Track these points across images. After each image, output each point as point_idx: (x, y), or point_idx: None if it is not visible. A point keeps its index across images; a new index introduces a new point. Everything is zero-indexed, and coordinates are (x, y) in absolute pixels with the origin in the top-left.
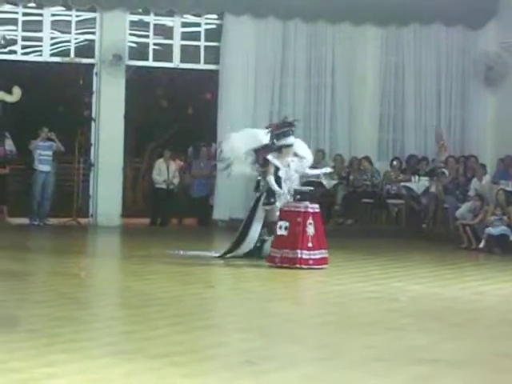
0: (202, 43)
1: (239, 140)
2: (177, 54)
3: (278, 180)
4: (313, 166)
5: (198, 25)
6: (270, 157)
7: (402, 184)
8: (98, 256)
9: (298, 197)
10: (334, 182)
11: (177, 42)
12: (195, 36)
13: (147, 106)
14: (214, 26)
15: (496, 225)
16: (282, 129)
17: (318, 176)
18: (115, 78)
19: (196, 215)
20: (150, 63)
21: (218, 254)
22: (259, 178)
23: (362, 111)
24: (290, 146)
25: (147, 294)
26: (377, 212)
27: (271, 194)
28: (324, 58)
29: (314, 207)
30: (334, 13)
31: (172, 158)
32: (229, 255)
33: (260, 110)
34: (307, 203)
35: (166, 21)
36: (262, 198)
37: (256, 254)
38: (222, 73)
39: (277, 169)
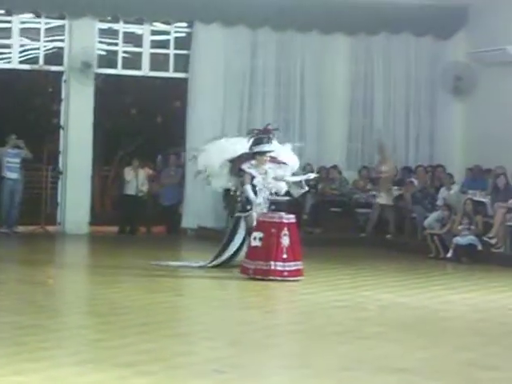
0: (172, 51)
1: (214, 153)
2: (146, 61)
3: (253, 188)
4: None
5: (168, 33)
6: (244, 166)
7: (371, 193)
8: (66, 264)
9: (273, 207)
10: (302, 190)
11: (146, 50)
12: (164, 44)
13: (116, 113)
14: (183, 34)
15: (464, 234)
16: (259, 135)
17: (299, 183)
18: (84, 86)
19: (165, 223)
20: (119, 71)
21: (202, 264)
22: (233, 188)
23: (330, 120)
24: (263, 153)
25: (115, 302)
26: (345, 221)
27: (247, 202)
28: (293, 66)
29: (290, 218)
30: (303, 21)
31: (141, 166)
32: (209, 265)
33: (229, 118)
34: (282, 214)
35: (136, 29)
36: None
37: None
38: (192, 81)
39: (252, 177)
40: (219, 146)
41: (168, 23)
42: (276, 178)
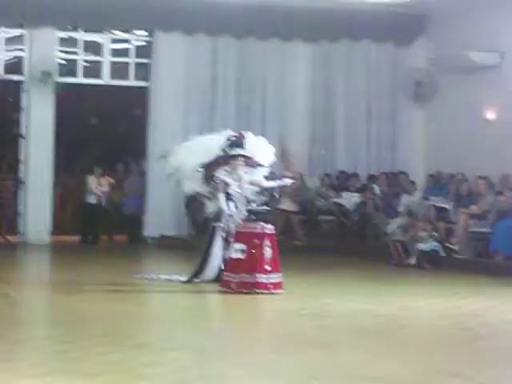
0: (132, 60)
1: (185, 154)
2: (106, 70)
3: (228, 197)
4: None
5: (128, 41)
6: (218, 173)
7: (333, 200)
8: (28, 274)
9: (254, 217)
10: (265, 198)
11: (106, 59)
12: (125, 52)
13: (77, 122)
14: (143, 43)
15: (426, 240)
16: (233, 139)
17: (274, 189)
18: (44, 95)
19: (127, 232)
20: (80, 80)
21: (184, 279)
22: (206, 195)
23: (292, 127)
24: (236, 157)
25: (78, 312)
26: (308, 228)
27: (221, 211)
28: (254, 74)
29: (270, 228)
30: (263, 29)
31: (102, 175)
32: (195, 280)
33: (190, 126)
34: (263, 224)
35: (96, 37)
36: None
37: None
38: (152, 89)
39: (227, 185)
40: (190, 147)
41: (128, 32)
42: (252, 183)
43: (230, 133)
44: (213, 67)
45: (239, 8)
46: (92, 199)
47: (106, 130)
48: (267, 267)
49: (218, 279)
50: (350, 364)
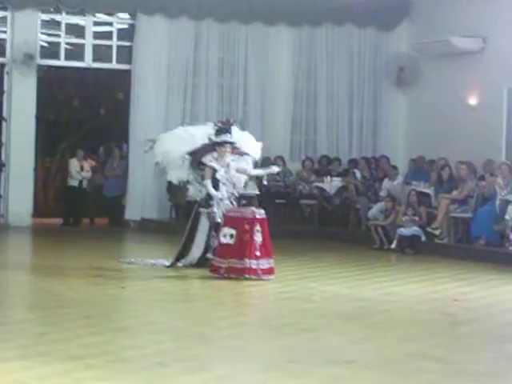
0: (114, 42)
1: (172, 142)
2: (89, 53)
3: (216, 182)
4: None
5: (110, 24)
6: (205, 159)
7: (315, 184)
8: (9, 257)
9: (244, 202)
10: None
11: (89, 42)
12: (107, 35)
13: (59, 105)
14: (126, 26)
15: (408, 225)
16: (220, 126)
17: (262, 177)
18: (26, 78)
19: (108, 215)
20: (62, 62)
21: (167, 264)
22: (193, 182)
23: (274, 111)
24: (223, 143)
25: (60, 295)
26: (290, 212)
27: (209, 197)
28: (237, 57)
29: (261, 213)
30: (246, 13)
31: (84, 158)
32: (178, 264)
33: (172, 110)
34: (253, 208)
35: (78, 20)
36: (201, 202)
37: (205, 263)
38: (135, 72)
39: (214, 171)
40: (176, 135)
41: (111, 14)
42: (238, 171)
43: (214, 122)
44: (195, 51)
45: None
46: (74, 182)
47: (88, 112)
48: (257, 253)
49: (199, 265)
50: (330, 348)
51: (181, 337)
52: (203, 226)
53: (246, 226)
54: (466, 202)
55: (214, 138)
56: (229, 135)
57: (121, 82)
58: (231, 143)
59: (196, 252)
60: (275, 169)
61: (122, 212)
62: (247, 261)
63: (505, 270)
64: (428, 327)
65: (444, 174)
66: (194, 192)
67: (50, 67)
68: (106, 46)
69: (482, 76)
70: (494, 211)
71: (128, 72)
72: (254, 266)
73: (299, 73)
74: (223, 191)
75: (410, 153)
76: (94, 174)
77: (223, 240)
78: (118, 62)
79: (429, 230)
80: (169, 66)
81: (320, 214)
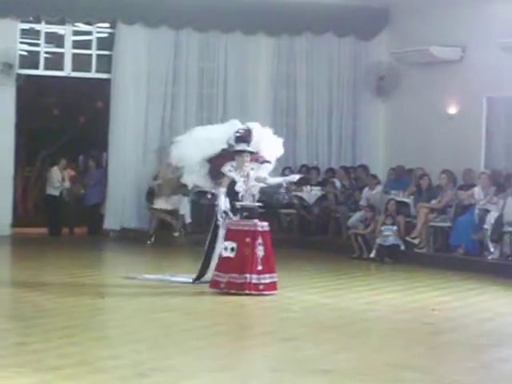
0: (94, 52)
1: (190, 146)
2: (68, 62)
3: (235, 194)
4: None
5: (90, 33)
6: (225, 169)
7: (294, 193)
8: None
9: (246, 214)
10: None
11: (68, 51)
12: (87, 44)
13: (38, 114)
14: (105, 35)
15: (387, 235)
16: (240, 134)
17: (280, 185)
18: (5, 87)
19: (87, 224)
20: (42, 72)
21: (190, 280)
22: (211, 190)
23: (253, 120)
24: (241, 152)
25: (39, 305)
26: (269, 222)
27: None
28: (216, 67)
29: (264, 225)
30: (225, 22)
31: (65, 167)
32: (197, 282)
33: (152, 119)
34: (256, 221)
35: (58, 29)
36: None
37: None
38: (114, 81)
39: (234, 182)
40: (194, 138)
41: (90, 24)
42: (257, 180)
43: (237, 124)
44: (175, 60)
45: (201, 1)
46: (55, 191)
47: (67, 121)
48: (259, 267)
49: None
50: (310, 357)
51: (160, 346)
52: (222, 239)
53: (247, 239)
54: (445, 211)
55: (233, 144)
56: (248, 144)
57: (100, 90)
58: (251, 152)
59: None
60: (296, 176)
61: (101, 221)
62: (248, 276)
63: (484, 279)
64: (408, 337)
65: (423, 184)
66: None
67: (29, 76)
68: (85, 55)
69: (461, 85)
70: (472, 220)
71: (108, 81)
72: (254, 281)
73: (278, 82)
74: (227, 204)
75: (390, 162)
76: (72, 183)
77: (224, 253)
78: (98, 71)
79: (408, 239)
80: (148, 75)
81: (299, 223)
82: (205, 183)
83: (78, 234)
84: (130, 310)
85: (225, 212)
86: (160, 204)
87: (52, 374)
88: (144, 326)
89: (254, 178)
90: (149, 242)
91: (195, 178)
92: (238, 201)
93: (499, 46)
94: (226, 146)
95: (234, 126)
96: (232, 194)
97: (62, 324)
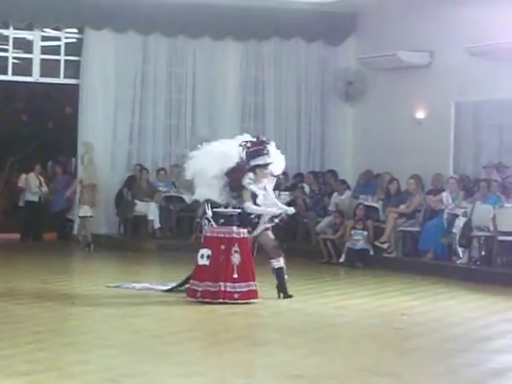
0: (62, 57)
1: (205, 160)
2: (37, 68)
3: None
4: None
5: (58, 39)
6: (245, 182)
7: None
8: None
9: (222, 221)
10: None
11: (37, 56)
12: (55, 50)
13: (6, 120)
14: (74, 40)
15: (356, 239)
16: (255, 147)
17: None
18: None
19: (56, 230)
20: (10, 77)
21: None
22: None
23: (222, 125)
24: (263, 166)
25: (7, 310)
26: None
27: (248, 221)
28: (185, 71)
29: (241, 232)
30: (194, 27)
31: (40, 173)
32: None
33: (120, 124)
34: (233, 228)
35: (26, 34)
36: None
37: None
38: (83, 87)
39: (254, 195)
40: (210, 152)
41: (58, 29)
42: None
43: (244, 138)
44: (143, 65)
45: (169, 6)
46: (34, 197)
47: (36, 127)
48: (235, 275)
49: None
50: (279, 362)
51: (130, 352)
52: None
53: (222, 247)
54: (414, 216)
55: (253, 162)
56: (268, 156)
57: (69, 96)
58: (271, 164)
59: None
60: (292, 210)
61: (70, 227)
62: (222, 284)
63: (452, 284)
64: (377, 341)
65: (392, 188)
66: (142, 208)
67: None
68: (53, 60)
69: (430, 90)
70: (441, 225)
71: (76, 86)
72: (229, 290)
73: (247, 87)
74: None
75: (359, 167)
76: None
77: (200, 261)
78: (66, 76)
79: (377, 244)
80: (117, 80)
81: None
82: (219, 197)
83: (47, 240)
84: (100, 316)
85: (207, 219)
86: (84, 212)
87: (21, 380)
88: (115, 332)
89: (271, 192)
90: (87, 249)
91: (209, 192)
92: (260, 215)
93: (467, 50)
94: (239, 160)
95: (241, 140)
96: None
97: (30, 329)
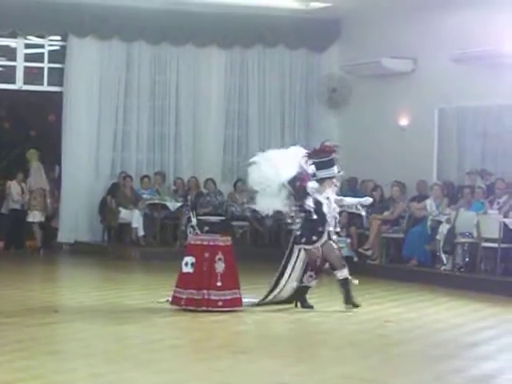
0: (46, 65)
1: (271, 167)
2: (20, 75)
3: (323, 217)
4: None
5: (42, 46)
6: (310, 191)
7: (247, 206)
8: None
9: (207, 228)
10: (179, 204)
11: (20, 64)
12: (39, 57)
13: None
14: (57, 48)
15: (341, 246)
16: (322, 157)
17: (354, 206)
18: None
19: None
20: None
21: (257, 301)
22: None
23: (206, 133)
24: (332, 177)
25: None
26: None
27: (309, 230)
28: (168, 79)
29: (226, 240)
30: (177, 35)
31: (23, 180)
32: (262, 302)
33: (104, 131)
34: (217, 236)
35: (9, 42)
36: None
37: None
38: (66, 94)
39: (319, 203)
40: (270, 159)
41: (42, 37)
42: (335, 202)
43: (299, 149)
44: (127, 72)
45: (153, 13)
46: (16, 205)
47: (19, 135)
48: (218, 283)
49: (290, 300)
50: (262, 370)
51: (114, 360)
52: (294, 262)
53: (206, 254)
54: (398, 223)
55: (320, 174)
56: (335, 168)
57: (52, 104)
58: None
59: (280, 292)
60: (369, 199)
61: (53, 234)
62: (205, 292)
63: (437, 290)
64: (361, 349)
65: (375, 195)
66: (126, 215)
67: None
68: (37, 68)
69: (413, 97)
70: (425, 232)
71: (59, 94)
72: (213, 297)
73: (231, 94)
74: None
75: (344, 173)
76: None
77: (184, 269)
78: (50, 84)
79: (361, 250)
80: (100, 88)
81: (252, 235)
82: (283, 206)
83: (31, 248)
84: (83, 324)
85: (192, 226)
86: (33, 217)
87: None
88: (98, 340)
89: (334, 201)
90: (37, 253)
91: (273, 202)
92: (324, 223)
93: (450, 57)
94: (299, 169)
95: (300, 150)
96: (320, 216)
97: (13, 338)
